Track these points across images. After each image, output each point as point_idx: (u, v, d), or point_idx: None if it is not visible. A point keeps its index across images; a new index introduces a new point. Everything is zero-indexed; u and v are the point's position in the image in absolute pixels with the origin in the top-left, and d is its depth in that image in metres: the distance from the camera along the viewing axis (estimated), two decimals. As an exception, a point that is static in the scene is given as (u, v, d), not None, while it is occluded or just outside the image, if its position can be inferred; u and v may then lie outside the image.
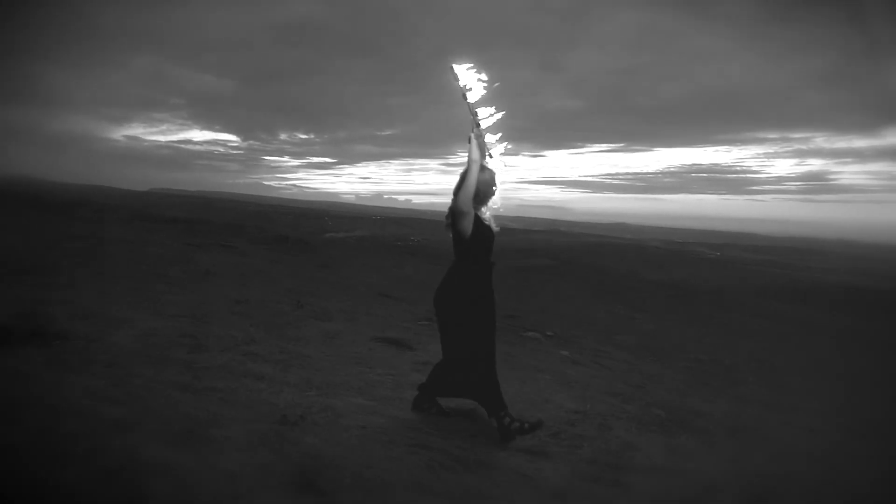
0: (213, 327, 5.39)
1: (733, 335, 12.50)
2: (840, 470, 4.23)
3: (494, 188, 3.89)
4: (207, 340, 4.95)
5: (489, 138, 3.83)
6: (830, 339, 14.77)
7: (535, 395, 5.16)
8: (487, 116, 3.76)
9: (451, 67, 3.73)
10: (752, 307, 23.76)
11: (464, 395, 4.02)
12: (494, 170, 3.90)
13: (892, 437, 5.55)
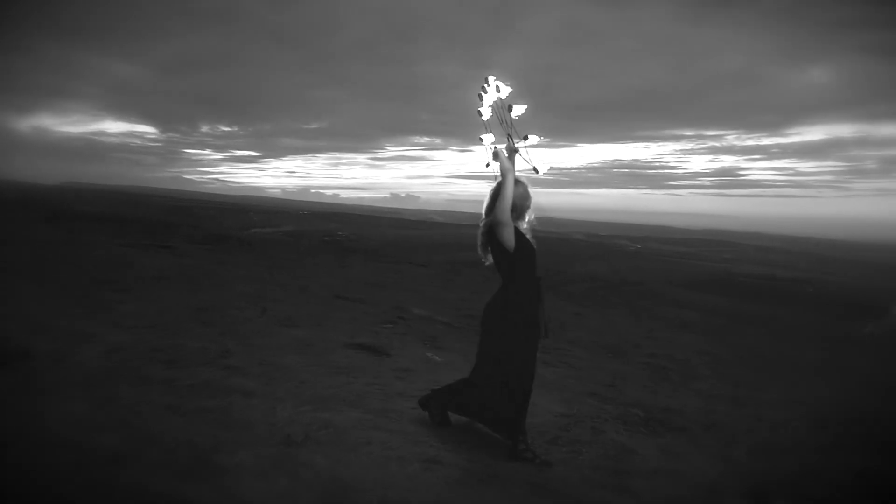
0: (181, 339, 5.10)
1: (675, 329, 12.99)
2: (817, 463, 4.43)
3: (529, 202, 3.73)
4: (181, 354, 4.67)
5: (524, 151, 3.70)
6: (761, 329, 15.60)
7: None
8: (518, 135, 3.65)
9: (487, 79, 3.64)
10: (682, 300, 24.85)
11: (482, 422, 3.89)
12: (527, 182, 3.79)
13: (849, 425, 5.87)
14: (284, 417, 3.76)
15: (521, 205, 3.69)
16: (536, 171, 3.70)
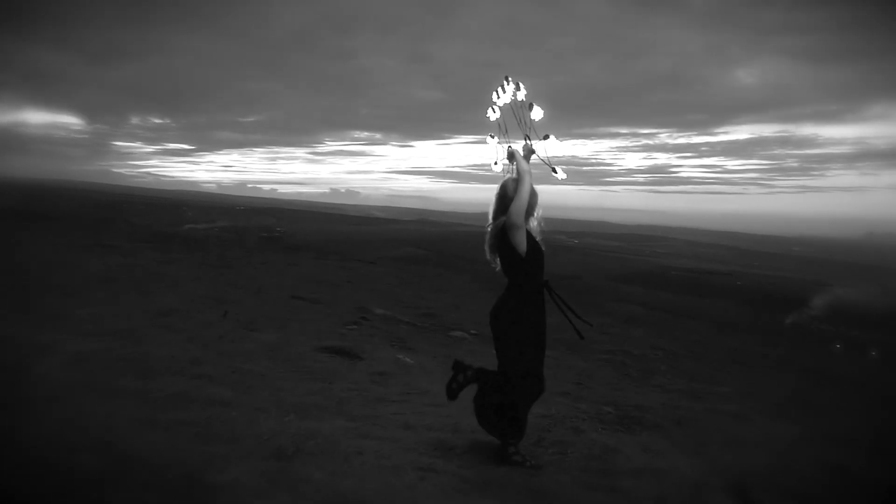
0: (147, 347, 4.86)
1: (625, 324, 13.32)
2: (787, 456, 4.60)
3: (537, 200, 3.62)
4: (149, 363, 4.45)
5: (542, 152, 3.59)
6: (702, 322, 16.18)
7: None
8: (538, 135, 3.56)
9: (506, 78, 3.55)
10: (621, 294, 25.54)
11: (479, 422, 3.78)
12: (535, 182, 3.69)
13: (806, 416, 6.15)
14: (270, 428, 3.64)
15: (531, 203, 3.56)
16: (555, 172, 3.58)
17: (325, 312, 8.08)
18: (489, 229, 3.63)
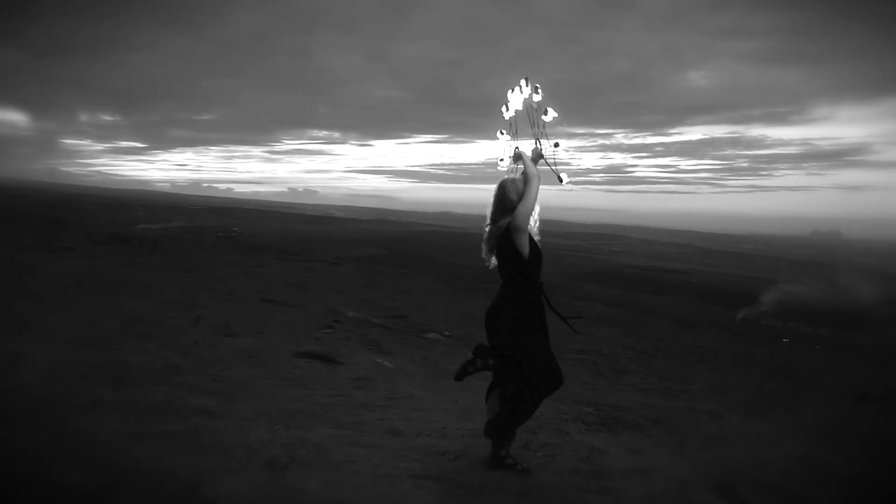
0: (122, 354, 4.71)
1: (592, 323, 13.50)
2: (765, 452, 4.74)
3: (536, 203, 3.57)
4: (126, 372, 4.32)
5: (550, 158, 3.60)
6: (664, 321, 16.52)
7: (481, 402, 5.16)
8: (549, 140, 3.57)
9: (525, 80, 3.52)
10: (580, 292, 25.87)
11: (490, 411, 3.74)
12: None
13: (774, 412, 6.35)
14: (259, 438, 3.57)
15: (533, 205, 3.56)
16: (561, 181, 3.59)
17: (297, 316, 7.97)
18: (488, 230, 3.59)
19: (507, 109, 3.66)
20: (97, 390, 3.88)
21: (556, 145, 3.57)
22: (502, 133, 3.70)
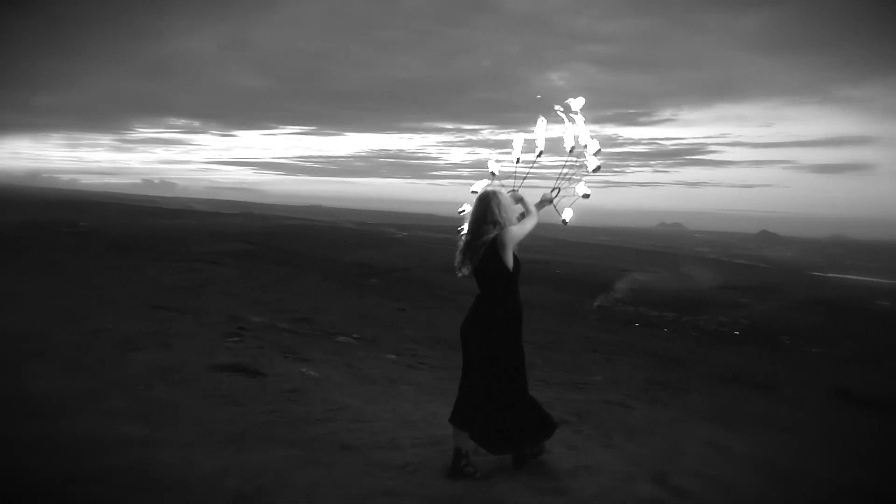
0: (21, 380, 4.17)
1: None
2: (679, 441, 5.10)
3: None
4: (37, 401, 3.84)
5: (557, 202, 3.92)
6: (543, 311, 17.28)
7: (416, 408, 5.14)
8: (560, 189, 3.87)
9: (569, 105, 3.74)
10: (450, 285, 26.46)
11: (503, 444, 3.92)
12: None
13: (672, 399, 6.87)
14: (214, 467, 3.33)
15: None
16: (565, 223, 3.90)
17: (198, 324, 7.47)
18: (467, 241, 3.62)
19: (542, 122, 3.92)
20: (8, 426, 3.41)
21: (558, 190, 3.90)
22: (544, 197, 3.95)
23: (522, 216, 3.78)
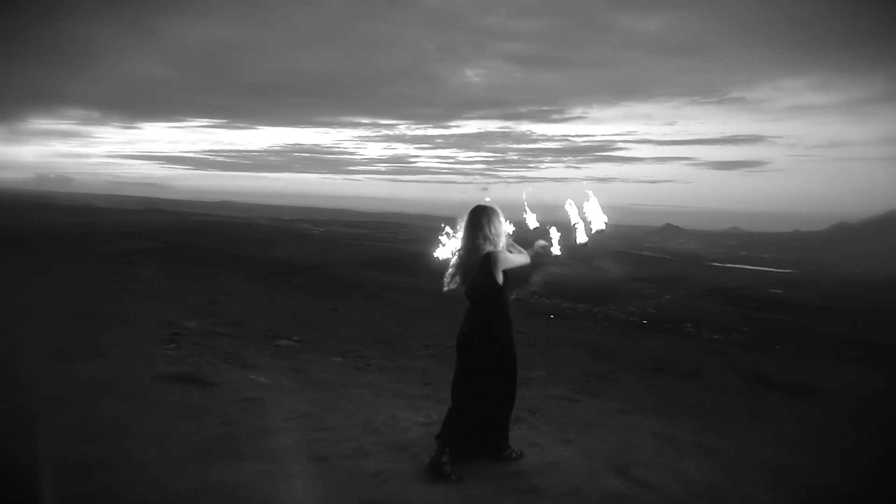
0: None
1: (417, 316, 13.87)
2: (627, 433, 5.30)
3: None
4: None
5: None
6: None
7: (375, 413, 5.09)
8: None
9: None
10: (366, 280, 26.40)
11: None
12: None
13: (610, 391, 7.12)
14: (186, 488, 3.17)
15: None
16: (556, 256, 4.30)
17: (129, 331, 7.05)
18: (460, 257, 3.71)
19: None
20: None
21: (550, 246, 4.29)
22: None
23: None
